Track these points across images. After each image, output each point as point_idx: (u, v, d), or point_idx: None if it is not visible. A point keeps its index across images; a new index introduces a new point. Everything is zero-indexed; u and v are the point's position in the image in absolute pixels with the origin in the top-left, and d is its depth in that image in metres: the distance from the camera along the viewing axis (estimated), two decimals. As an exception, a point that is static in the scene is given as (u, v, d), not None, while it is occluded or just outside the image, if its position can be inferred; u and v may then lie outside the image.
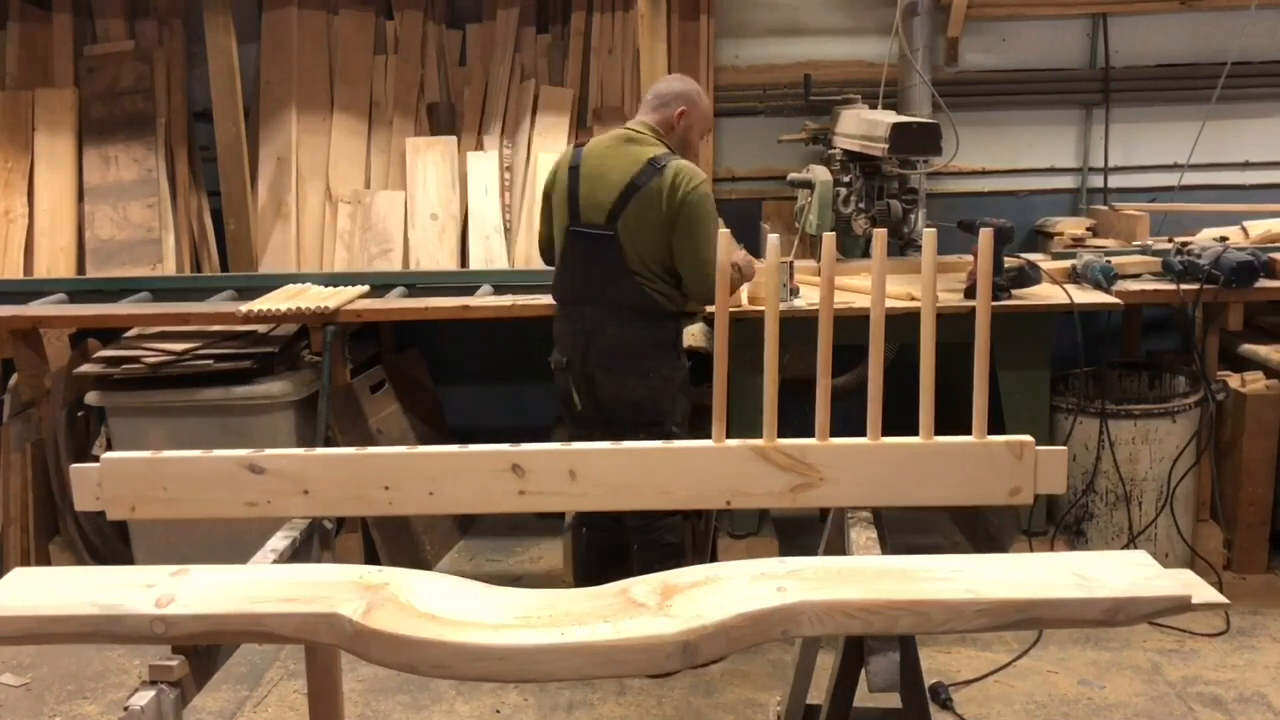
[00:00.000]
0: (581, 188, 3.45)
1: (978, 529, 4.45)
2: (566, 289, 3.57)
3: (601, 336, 3.46)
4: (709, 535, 4.06)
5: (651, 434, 3.42)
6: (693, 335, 4.12)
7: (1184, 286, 3.98)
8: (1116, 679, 3.47)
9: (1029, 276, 3.84)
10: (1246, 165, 5.02)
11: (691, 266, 3.37)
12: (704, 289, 3.37)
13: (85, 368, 4.09)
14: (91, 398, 4.09)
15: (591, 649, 1.68)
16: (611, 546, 3.72)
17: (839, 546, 2.22)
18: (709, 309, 3.56)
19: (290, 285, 4.28)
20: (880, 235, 2.06)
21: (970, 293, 3.76)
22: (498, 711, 3.39)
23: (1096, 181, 5.05)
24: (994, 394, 3.49)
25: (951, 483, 2.16)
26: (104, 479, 2.17)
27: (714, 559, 3.99)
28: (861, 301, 3.66)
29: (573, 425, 3.69)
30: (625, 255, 3.38)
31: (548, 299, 4.00)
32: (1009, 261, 3.88)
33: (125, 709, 1.71)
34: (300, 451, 2.22)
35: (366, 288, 4.22)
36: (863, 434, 2.16)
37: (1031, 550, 3.89)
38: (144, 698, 1.74)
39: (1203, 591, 1.81)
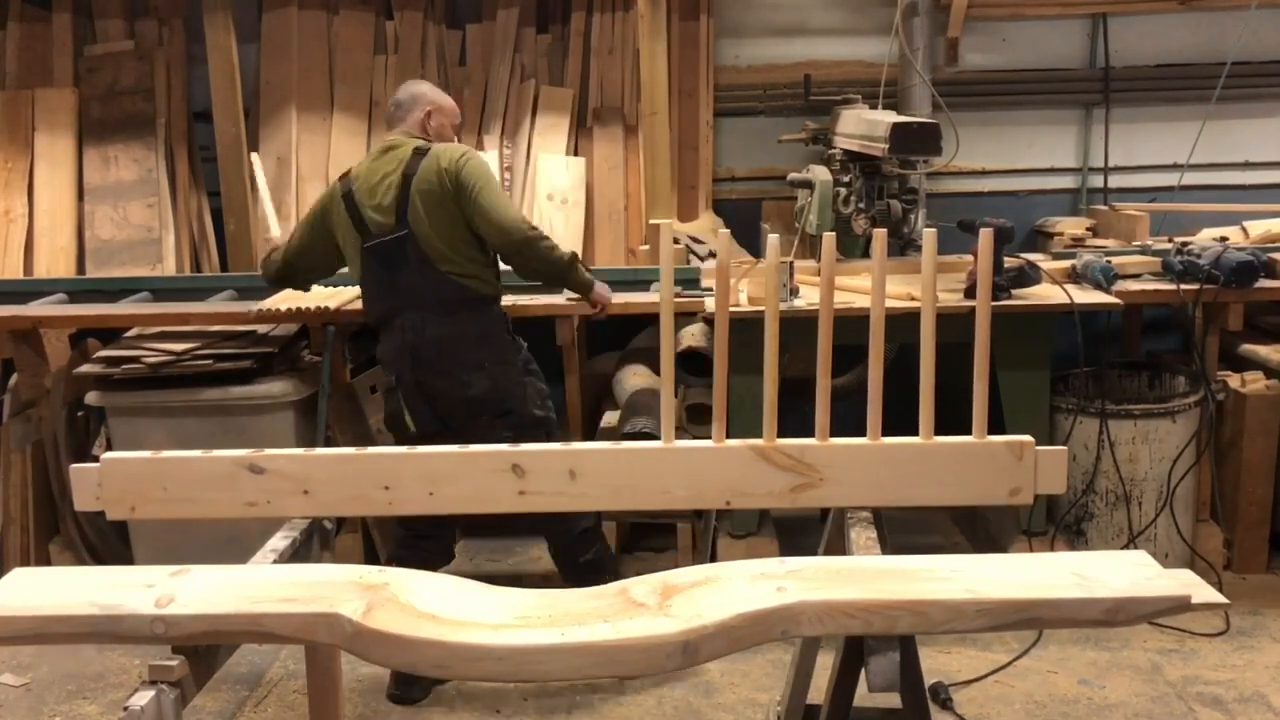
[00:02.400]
0: (361, 205, 3.36)
1: (978, 529, 4.44)
2: (377, 307, 3.45)
3: (424, 342, 3.33)
4: (709, 535, 4.07)
5: (510, 425, 3.36)
6: (692, 335, 4.13)
7: (1184, 286, 3.98)
8: (1116, 679, 3.47)
9: (1029, 276, 3.84)
10: (1246, 165, 5.02)
11: (490, 223, 3.28)
12: (509, 240, 3.29)
13: (85, 368, 4.09)
14: (91, 398, 4.08)
15: (591, 649, 1.68)
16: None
17: (839, 546, 2.22)
18: (709, 308, 3.55)
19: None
20: (880, 235, 2.06)
21: (970, 293, 3.76)
22: (498, 711, 3.39)
23: (1096, 181, 5.05)
24: (994, 394, 3.49)
25: (951, 483, 2.16)
26: (104, 479, 2.18)
27: (714, 559, 3.99)
28: (861, 301, 3.65)
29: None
30: (423, 249, 3.30)
31: (548, 299, 4.01)
32: (1009, 261, 3.88)
33: (125, 709, 1.72)
34: (300, 451, 2.22)
35: (367, 288, 4.22)
36: (863, 434, 2.16)
37: (1031, 550, 3.89)
38: (144, 698, 1.74)
39: (1203, 591, 1.81)
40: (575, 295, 3.70)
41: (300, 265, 3.63)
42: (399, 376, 3.40)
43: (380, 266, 3.36)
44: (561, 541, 3.60)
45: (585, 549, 3.57)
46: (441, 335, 3.33)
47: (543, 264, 3.40)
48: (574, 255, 3.47)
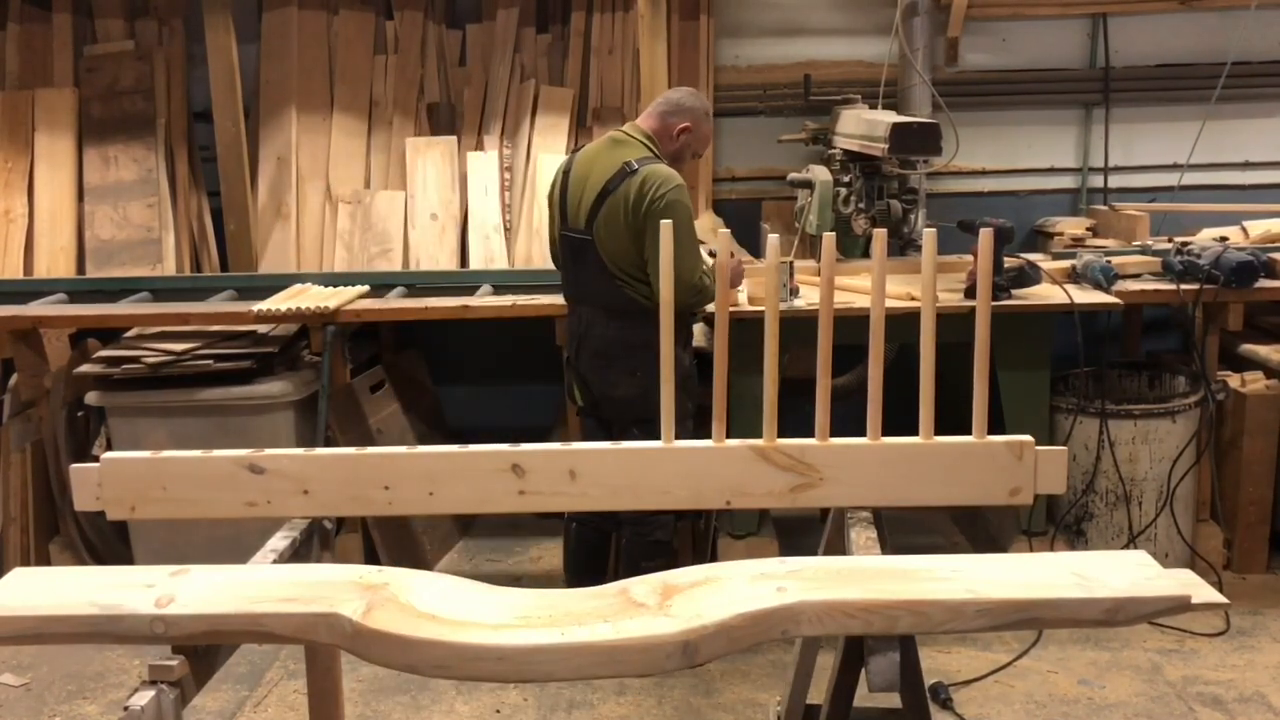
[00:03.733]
0: (570, 191, 3.47)
1: (978, 529, 4.44)
2: (565, 289, 3.63)
3: (590, 336, 3.48)
4: (709, 535, 4.06)
5: (646, 431, 3.41)
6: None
7: (1184, 286, 3.98)
8: (1116, 679, 3.47)
9: (1029, 276, 3.84)
10: (1246, 165, 5.02)
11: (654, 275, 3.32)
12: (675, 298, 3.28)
13: (85, 368, 4.09)
14: (91, 398, 4.09)
15: (591, 649, 1.68)
16: (599, 540, 3.71)
17: (839, 546, 2.22)
18: (709, 308, 3.55)
19: (295, 285, 4.28)
20: (880, 235, 2.06)
21: (970, 293, 3.76)
22: (498, 711, 3.40)
23: (1096, 181, 5.05)
24: (994, 394, 3.49)
25: (951, 483, 2.16)
26: (104, 479, 2.17)
27: (714, 559, 3.99)
28: (861, 301, 3.65)
29: (579, 418, 3.77)
30: (603, 258, 3.38)
31: (548, 299, 4.02)
32: (1009, 261, 3.88)
33: (125, 709, 1.71)
34: (300, 451, 2.22)
35: (366, 288, 4.22)
36: (863, 434, 2.16)
37: (1031, 550, 3.89)
38: (144, 698, 1.74)
39: (1203, 591, 1.81)
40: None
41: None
42: (568, 358, 3.60)
43: (569, 255, 3.52)
44: (632, 541, 3.58)
45: (651, 558, 3.53)
46: (604, 336, 3.45)
47: (687, 308, 3.39)
48: (705, 288, 3.34)
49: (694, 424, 3.57)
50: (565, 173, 3.52)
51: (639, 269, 3.38)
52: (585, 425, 3.74)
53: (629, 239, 3.34)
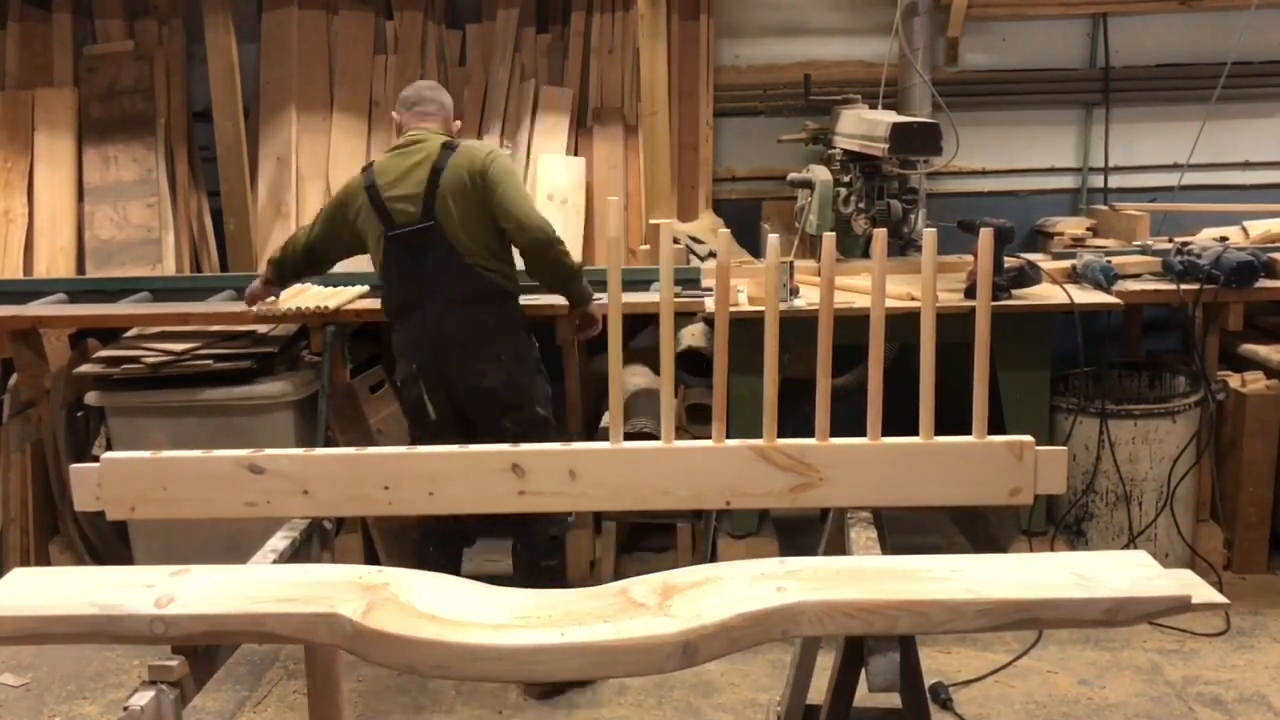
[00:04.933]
0: (384, 196, 3.38)
1: (978, 529, 4.44)
2: (398, 298, 3.47)
3: (444, 331, 3.38)
4: (709, 535, 4.07)
5: (518, 420, 3.41)
6: (693, 335, 4.13)
7: (1184, 286, 3.98)
8: (1116, 679, 3.47)
9: (1029, 276, 3.84)
10: (1246, 165, 5.02)
11: (512, 217, 3.34)
12: (528, 237, 3.35)
13: (85, 368, 4.09)
14: (91, 398, 4.08)
15: (591, 649, 1.68)
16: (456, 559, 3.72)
17: (839, 546, 2.23)
18: (709, 306, 3.54)
19: (295, 285, 4.28)
20: (880, 235, 2.06)
21: (970, 293, 3.76)
22: (499, 712, 3.39)
23: (1096, 181, 5.05)
24: (994, 394, 3.49)
25: (951, 483, 2.16)
26: (104, 479, 2.18)
27: (714, 559, 3.99)
28: (861, 301, 3.65)
29: (430, 439, 3.34)
30: (450, 241, 3.34)
31: (548, 299, 3.98)
32: (1009, 261, 3.88)
33: (125, 709, 1.72)
34: (300, 451, 2.22)
35: (366, 288, 4.22)
36: (863, 434, 2.16)
37: (1031, 550, 3.89)
38: (144, 698, 1.74)
39: (1203, 591, 1.81)
40: (571, 305, 3.66)
41: (321, 252, 3.68)
42: (420, 365, 3.44)
43: (404, 256, 3.40)
44: (528, 543, 3.56)
45: (550, 555, 3.56)
46: (462, 326, 3.39)
47: (554, 266, 3.45)
48: (581, 266, 3.55)
49: (691, 422, 3.55)
50: (369, 186, 3.40)
51: (494, 240, 3.38)
52: (445, 440, 3.10)
53: (478, 209, 3.33)
